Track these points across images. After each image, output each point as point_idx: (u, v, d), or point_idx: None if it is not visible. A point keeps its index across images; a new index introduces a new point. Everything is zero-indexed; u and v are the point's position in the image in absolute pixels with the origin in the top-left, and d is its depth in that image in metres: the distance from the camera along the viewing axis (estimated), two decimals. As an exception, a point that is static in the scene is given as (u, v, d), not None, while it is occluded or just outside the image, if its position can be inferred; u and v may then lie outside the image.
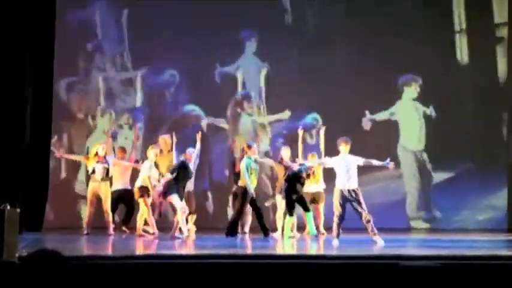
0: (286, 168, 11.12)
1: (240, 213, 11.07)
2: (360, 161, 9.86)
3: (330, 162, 10.11)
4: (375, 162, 10.02)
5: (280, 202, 11.33)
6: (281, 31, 13.69)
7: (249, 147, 11.11)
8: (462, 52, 13.78)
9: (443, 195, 13.39)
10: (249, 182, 10.88)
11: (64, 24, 12.89)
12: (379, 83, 13.43)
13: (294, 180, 11.03)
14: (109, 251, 9.51)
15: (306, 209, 11.28)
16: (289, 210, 11.09)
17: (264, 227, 11.07)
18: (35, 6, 11.45)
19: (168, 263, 7.44)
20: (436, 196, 13.45)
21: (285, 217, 11.25)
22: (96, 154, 11.39)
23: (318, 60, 13.41)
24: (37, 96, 11.79)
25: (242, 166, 10.94)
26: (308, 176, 11.38)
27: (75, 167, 13.21)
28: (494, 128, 13.61)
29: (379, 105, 13.62)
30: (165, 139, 11.61)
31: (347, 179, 9.71)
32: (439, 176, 13.53)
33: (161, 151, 11.48)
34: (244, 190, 10.94)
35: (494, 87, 13.70)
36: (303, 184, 11.18)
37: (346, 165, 9.77)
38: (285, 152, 11.37)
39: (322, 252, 9.88)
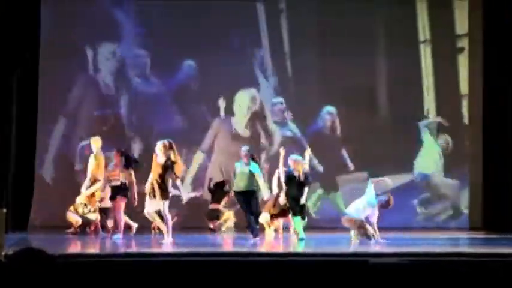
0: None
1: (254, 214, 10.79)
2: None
3: None
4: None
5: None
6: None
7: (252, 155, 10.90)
8: (426, 61, 13.86)
9: (410, 197, 13.38)
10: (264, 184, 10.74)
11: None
12: (345, 89, 13.42)
13: (293, 182, 10.76)
14: (93, 250, 9.43)
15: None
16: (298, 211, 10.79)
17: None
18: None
19: (152, 261, 7.40)
20: (405, 197, 13.34)
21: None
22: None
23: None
24: (22, 101, 11.67)
25: (254, 171, 10.72)
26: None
27: (61, 167, 13.01)
28: (455, 135, 13.70)
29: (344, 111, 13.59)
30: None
31: None
32: (404, 178, 13.50)
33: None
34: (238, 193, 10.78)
35: (455, 95, 13.78)
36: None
37: None
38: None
39: (295, 250, 9.86)
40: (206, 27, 13.11)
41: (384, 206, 10.01)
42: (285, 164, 10.94)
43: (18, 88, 11.62)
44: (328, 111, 13.53)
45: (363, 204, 9.98)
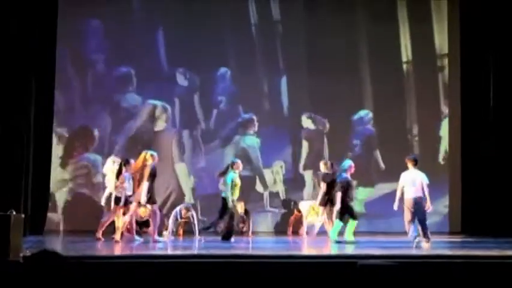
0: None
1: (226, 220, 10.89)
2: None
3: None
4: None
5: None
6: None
7: (233, 163, 10.98)
8: (409, 80, 13.88)
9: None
10: (230, 193, 10.74)
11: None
12: (331, 111, 13.41)
13: (351, 187, 10.91)
14: (104, 252, 9.38)
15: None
16: (351, 214, 10.75)
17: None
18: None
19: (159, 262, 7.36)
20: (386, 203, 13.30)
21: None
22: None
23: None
24: (38, 108, 11.62)
25: (226, 179, 10.81)
26: None
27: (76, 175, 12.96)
28: (435, 148, 13.72)
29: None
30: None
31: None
32: (390, 187, 13.45)
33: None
34: (226, 200, 10.81)
35: (436, 113, 13.79)
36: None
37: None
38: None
39: (288, 253, 9.81)
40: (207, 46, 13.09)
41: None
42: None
43: (37, 91, 11.53)
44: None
45: None
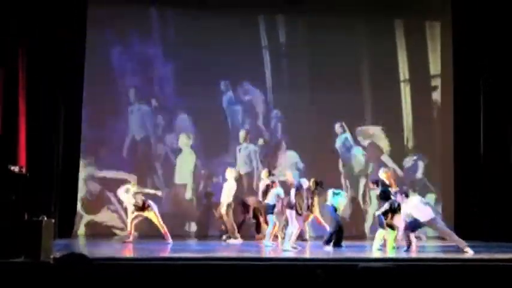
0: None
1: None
2: None
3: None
4: None
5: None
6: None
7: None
8: (406, 98, 13.84)
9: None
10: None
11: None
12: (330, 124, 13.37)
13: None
14: (126, 254, 9.36)
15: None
16: (390, 226, 10.07)
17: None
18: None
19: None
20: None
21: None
22: None
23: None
24: (68, 121, 11.66)
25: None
26: None
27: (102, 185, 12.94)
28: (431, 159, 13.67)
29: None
30: None
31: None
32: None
33: None
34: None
35: (430, 124, 13.75)
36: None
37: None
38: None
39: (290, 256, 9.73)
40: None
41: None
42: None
43: (64, 98, 11.57)
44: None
45: None
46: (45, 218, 7.93)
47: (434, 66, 13.82)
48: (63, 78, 11.37)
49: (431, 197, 13.24)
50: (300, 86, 13.41)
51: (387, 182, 10.47)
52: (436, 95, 13.79)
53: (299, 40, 13.54)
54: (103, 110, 12.77)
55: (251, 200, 12.21)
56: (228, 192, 11.30)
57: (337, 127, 13.42)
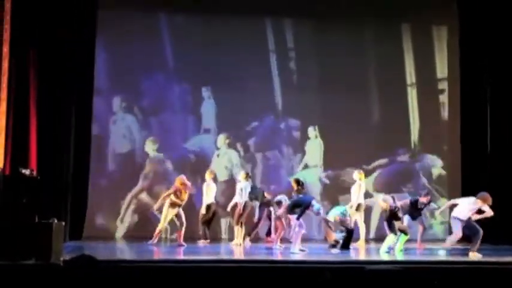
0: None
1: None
2: None
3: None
4: None
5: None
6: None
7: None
8: (413, 101, 13.80)
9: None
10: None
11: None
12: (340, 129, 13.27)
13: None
14: (134, 256, 9.37)
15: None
16: (402, 230, 10.09)
17: None
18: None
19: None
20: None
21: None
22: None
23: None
24: (79, 123, 11.70)
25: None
26: None
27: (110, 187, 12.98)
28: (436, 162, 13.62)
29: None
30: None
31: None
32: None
33: None
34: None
35: (438, 127, 13.70)
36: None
37: None
38: None
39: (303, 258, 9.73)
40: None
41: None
42: None
43: (77, 99, 11.60)
44: None
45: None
46: (56, 221, 7.95)
47: (441, 69, 13.80)
48: (74, 80, 11.40)
49: (443, 202, 13.19)
50: (309, 88, 13.37)
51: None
52: (443, 98, 13.76)
53: (306, 45, 13.51)
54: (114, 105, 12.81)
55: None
56: (210, 194, 11.40)
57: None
